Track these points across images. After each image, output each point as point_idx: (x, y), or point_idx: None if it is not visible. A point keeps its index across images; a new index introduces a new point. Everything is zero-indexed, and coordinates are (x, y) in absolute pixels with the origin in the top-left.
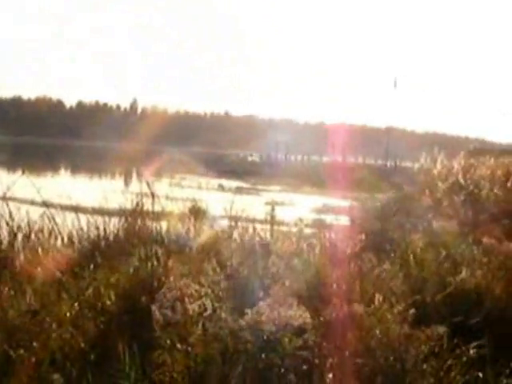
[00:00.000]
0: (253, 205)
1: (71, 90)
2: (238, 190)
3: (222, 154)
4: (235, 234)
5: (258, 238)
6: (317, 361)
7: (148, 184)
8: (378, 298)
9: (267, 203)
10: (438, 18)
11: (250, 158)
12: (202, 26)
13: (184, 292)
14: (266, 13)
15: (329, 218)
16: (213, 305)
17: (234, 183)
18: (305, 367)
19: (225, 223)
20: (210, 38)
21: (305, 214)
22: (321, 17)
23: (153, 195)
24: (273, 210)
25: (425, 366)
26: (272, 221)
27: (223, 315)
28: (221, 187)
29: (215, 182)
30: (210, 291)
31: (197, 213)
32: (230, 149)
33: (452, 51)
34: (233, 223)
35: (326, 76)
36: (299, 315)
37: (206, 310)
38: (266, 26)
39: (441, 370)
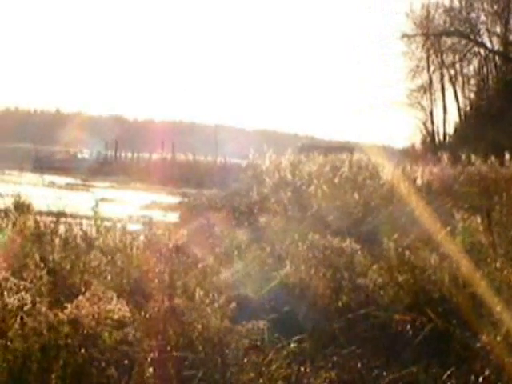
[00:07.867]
0: (82, 201)
1: None
2: (69, 187)
3: (53, 150)
4: (60, 229)
5: (81, 233)
6: (137, 355)
7: None
8: (199, 292)
9: (96, 199)
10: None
11: (80, 155)
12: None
13: (3, 286)
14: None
15: (156, 214)
16: (33, 299)
17: (64, 180)
18: (126, 361)
19: (51, 219)
20: (40, 34)
21: (134, 210)
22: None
23: None
24: (97, 205)
25: (245, 360)
26: (96, 216)
27: (43, 309)
28: (51, 183)
29: (46, 178)
30: (31, 285)
31: (21, 208)
32: (61, 146)
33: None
34: (59, 218)
35: (152, 72)
36: (118, 309)
37: (25, 304)
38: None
39: (261, 363)
